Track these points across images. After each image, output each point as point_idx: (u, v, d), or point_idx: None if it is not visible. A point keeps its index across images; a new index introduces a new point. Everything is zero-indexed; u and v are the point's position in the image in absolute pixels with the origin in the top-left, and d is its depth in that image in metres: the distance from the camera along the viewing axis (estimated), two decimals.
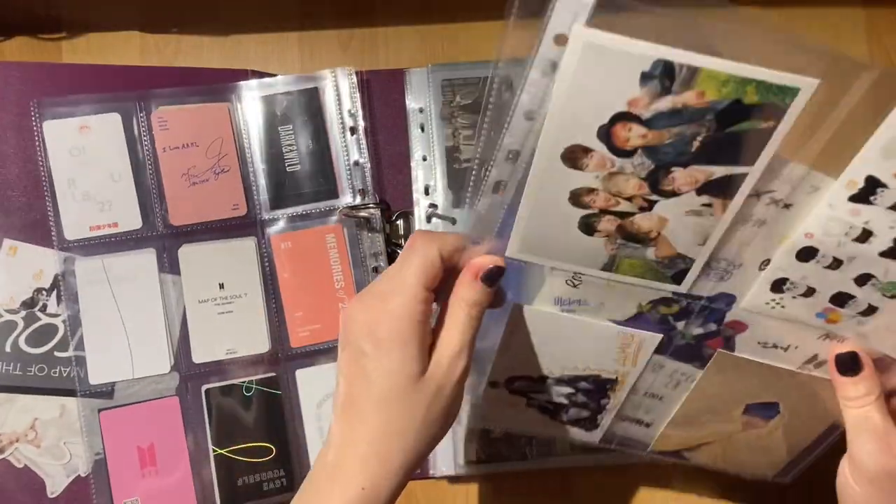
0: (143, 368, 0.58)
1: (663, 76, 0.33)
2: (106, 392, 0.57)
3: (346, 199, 0.60)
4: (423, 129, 0.61)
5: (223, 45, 0.63)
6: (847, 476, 0.43)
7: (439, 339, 0.39)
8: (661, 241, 0.40)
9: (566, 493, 0.61)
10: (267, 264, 0.59)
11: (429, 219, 0.60)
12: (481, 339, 0.42)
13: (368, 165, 0.60)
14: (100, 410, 0.57)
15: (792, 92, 0.33)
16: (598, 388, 0.47)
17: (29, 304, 0.58)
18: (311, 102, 0.59)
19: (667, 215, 0.38)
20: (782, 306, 0.42)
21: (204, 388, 0.58)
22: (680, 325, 0.45)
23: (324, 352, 0.59)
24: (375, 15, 0.63)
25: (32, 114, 0.57)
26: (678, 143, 0.35)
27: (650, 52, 0.32)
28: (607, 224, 0.39)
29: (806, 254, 0.40)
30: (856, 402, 0.42)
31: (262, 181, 0.59)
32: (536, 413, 0.49)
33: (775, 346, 0.45)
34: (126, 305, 0.57)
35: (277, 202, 0.59)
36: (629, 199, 0.38)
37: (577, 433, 0.51)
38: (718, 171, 0.36)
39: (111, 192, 0.58)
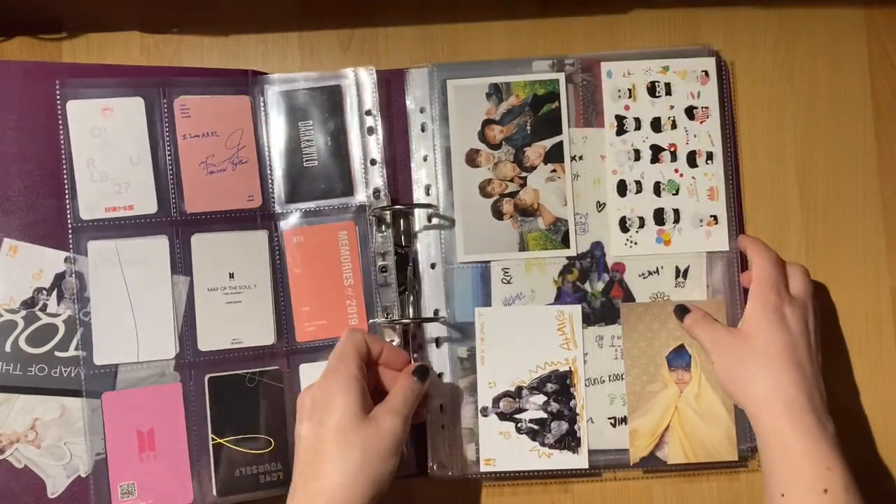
0: (148, 352, 0.57)
1: (496, 92, 0.61)
2: (109, 374, 0.57)
3: (361, 197, 0.60)
4: (423, 129, 0.62)
5: (223, 45, 0.64)
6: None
7: (382, 403, 0.51)
8: (543, 210, 0.61)
9: (566, 491, 0.61)
10: (278, 257, 0.60)
11: (429, 219, 0.61)
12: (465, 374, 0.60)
13: (384, 165, 0.60)
14: (102, 392, 0.57)
15: (555, 82, 0.61)
16: (562, 388, 0.60)
17: (29, 303, 0.57)
18: (332, 100, 0.60)
19: (536, 186, 0.61)
20: (635, 242, 0.61)
21: (207, 376, 0.58)
22: (587, 286, 0.61)
23: (328, 348, 0.59)
24: (375, 15, 0.64)
25: (57, 93, 0.57)
26: (520, 131, 0.61)
27: (485, 81, 0.61)
28: (508, 206, 0.61)
29: (620, 187, 0.61)
30: (702, 322, 0.58)
31: (278, 175, 0.60)
32: (527, 440, 0.60)
33: (649, 273, 0.61)
34: (135, 289, 0.57)
35: (292, 196, 0.60)
36: (511, 180, 0.61)
37: (567, 460, 0.60)
38: (548, 143, 0.61)
39: (129, 175, 0.58)
